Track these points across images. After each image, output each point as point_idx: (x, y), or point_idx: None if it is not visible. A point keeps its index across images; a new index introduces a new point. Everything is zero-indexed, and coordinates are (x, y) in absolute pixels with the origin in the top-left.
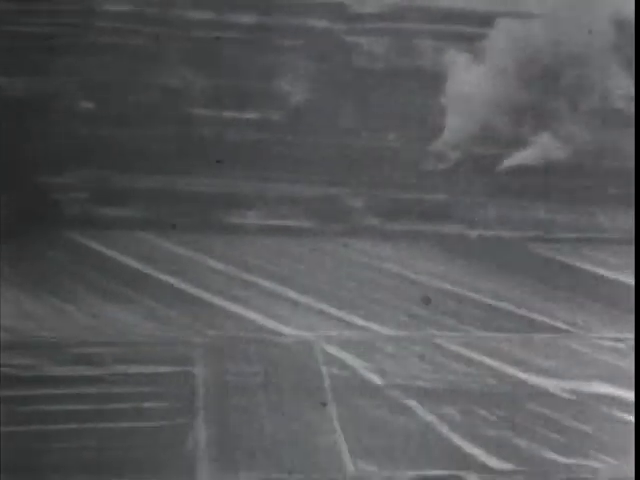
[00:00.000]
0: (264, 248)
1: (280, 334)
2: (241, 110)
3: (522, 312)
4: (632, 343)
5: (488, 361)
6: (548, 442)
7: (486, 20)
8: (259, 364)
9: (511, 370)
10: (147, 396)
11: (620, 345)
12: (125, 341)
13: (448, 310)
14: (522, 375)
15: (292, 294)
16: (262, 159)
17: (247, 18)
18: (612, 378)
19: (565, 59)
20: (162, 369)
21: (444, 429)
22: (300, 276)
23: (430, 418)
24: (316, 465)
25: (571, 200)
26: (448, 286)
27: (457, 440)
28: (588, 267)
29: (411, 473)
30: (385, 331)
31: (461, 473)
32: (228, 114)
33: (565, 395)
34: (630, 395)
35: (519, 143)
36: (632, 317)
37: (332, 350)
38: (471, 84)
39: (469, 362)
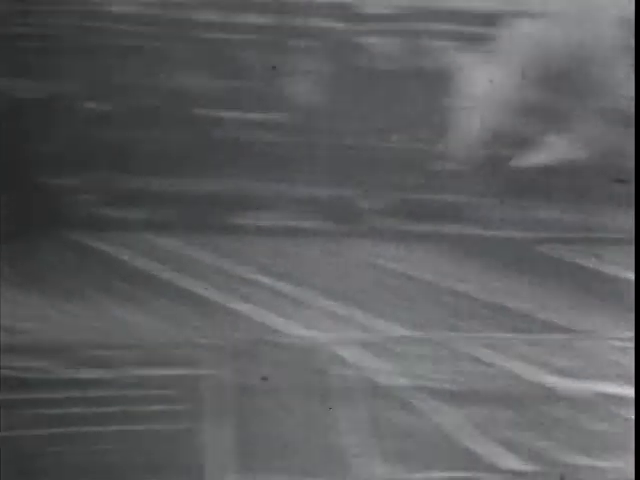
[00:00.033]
0: (274, 249)
1: (290, 335)
2: (249, 111)
3: (537, 313)
4: None
5: (502, 362)
6: (567, 443)
7: (494, 20)
8: (269, 366)
9: (527, 371)
10: (155, 399)
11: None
12: (130, 343)
13: (461, 311)
14: (538, 376)
15: (303, 295)
16: (271, 160)
17: (257, 19)
18: (631, 380)
19: (575, 59)
20: (169, 372)
21: (458, 430)
22: (311, 277)
23: (444, 419)
24: (327, 468)
25: (583, 200)
26: (461, 287)
27: (471, 442)
28: (604, 269)
29: (430, 474)
30: (397, 332)
31: (479, 475)
32: (236, 115)
33: (583, 396)
34: None
35: (529, 144)
36: None
37: (345, 352)
38: (481, 85)
39: (483, 363)
